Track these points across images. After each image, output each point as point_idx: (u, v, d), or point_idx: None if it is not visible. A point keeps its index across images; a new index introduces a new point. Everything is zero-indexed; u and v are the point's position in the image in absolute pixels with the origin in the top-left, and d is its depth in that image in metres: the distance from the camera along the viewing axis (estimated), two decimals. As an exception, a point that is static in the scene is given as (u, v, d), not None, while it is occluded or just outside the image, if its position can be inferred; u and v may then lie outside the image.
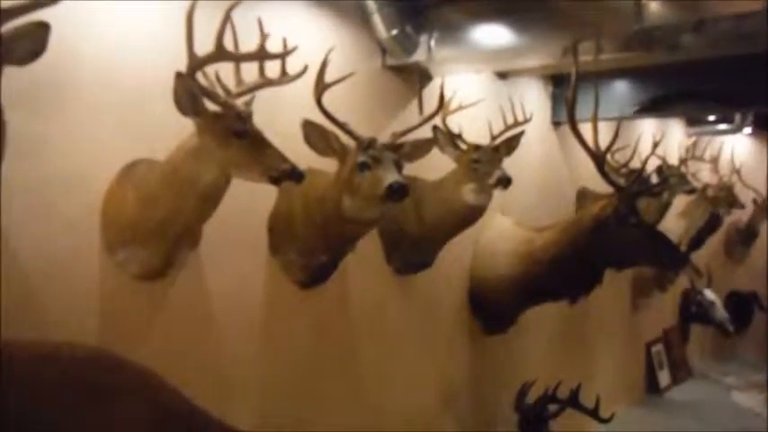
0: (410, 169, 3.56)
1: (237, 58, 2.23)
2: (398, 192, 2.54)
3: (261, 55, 2.23)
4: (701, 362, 8.00)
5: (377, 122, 3.42)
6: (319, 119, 2.72)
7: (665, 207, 5.93)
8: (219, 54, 2.11)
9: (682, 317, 7.56)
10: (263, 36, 2.30)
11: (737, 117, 7.30)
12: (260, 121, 2.39)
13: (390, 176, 2.56)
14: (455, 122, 3.51)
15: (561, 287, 3.97)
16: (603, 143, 3.53)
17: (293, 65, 2.48)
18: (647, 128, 6.14)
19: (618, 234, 3.68)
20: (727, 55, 4.30)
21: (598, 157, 3.63)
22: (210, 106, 2.23)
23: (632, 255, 3.81)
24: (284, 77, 2.45)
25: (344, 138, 2.78)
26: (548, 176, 5.10)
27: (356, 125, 2.83)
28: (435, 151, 3.41)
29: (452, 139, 3.43)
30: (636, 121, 6.12)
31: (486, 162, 3.33)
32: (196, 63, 2.09)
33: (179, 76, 2.07)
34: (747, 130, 7.71)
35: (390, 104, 3.61)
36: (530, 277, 4.02)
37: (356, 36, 3.44)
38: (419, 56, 3.47)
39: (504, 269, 4.14)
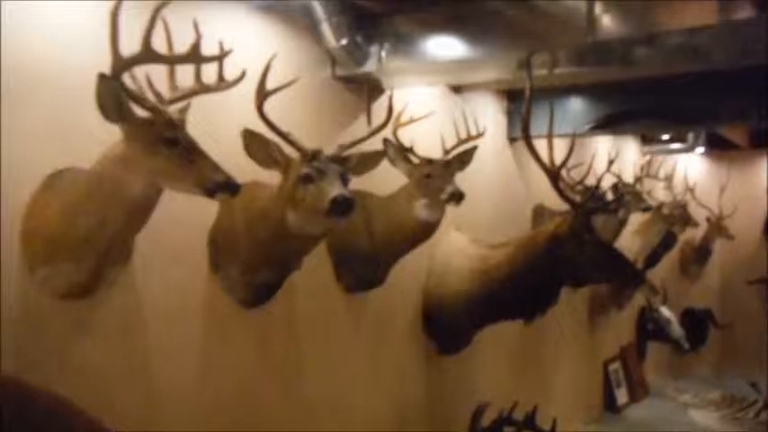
0: (362, 184, 3.50)
1: (167, 60, 2.08)
2: (342, 206, 2.41)
3: (193, 57, 2.09)
4: (657, 379, 8.00)
5: (325, 134, 3.30)
6: (264, 129, 2.59)
7: (621, 225, 5.93)
8: (147, 55, 1.96)
9: (638, 334, 7.56)
10: (198, 37, 2.16)
11: (691, 136, 7.40)
12: (202, 130, 2.26)
13: (334, 190, 2.43)
14: (407, 136, 3.41)
15: (517, 306, 3.88)
16: (559, 160, 3.49)
17: (235, 71, 2.35)
18: (602, 145, 6.14)
19: (573, 251, 3.62)
20: (680, 73, 4.33)
21: (553, 173, 3.57)
22: (141, 112, 2.08)
23: (588, 272, 3.74)
24: (221, 84, 2.31)
25: (289, 149, 2.64)
26: (504, 193, 5.04)
27: (303, 137, 2.71)
28: (390, 166, 3.34)
29: (404, 152, 3.32)
30: (591, 138, 6.12)
31: (439, 177, 3.23)
32: (121, 64, 1.94)
33: (102, 77, 1.92)
34: (700, 149, 7.81)
35: (340, 116, 3.49)
36: (485, 295, 3.92)
37: (305, 45, 3.32)
38: (369, 67, 3.36)
39: (458, 287, 4.03)
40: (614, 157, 5.39)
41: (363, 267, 3.52)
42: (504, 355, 5.04)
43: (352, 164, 2.71)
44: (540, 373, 5.61)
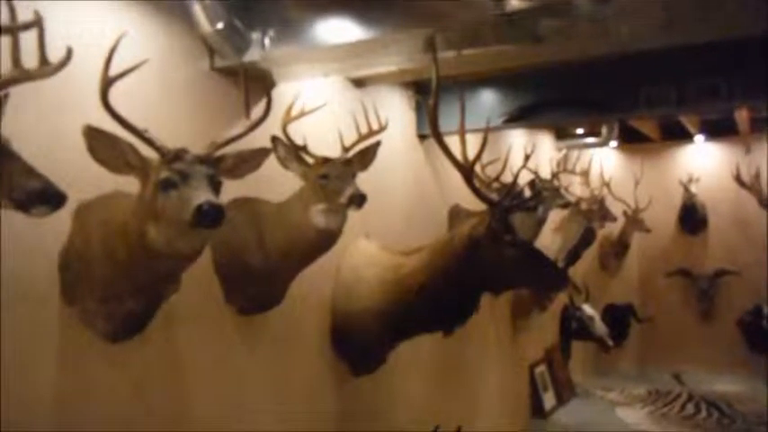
0: (253, 189, 3.05)
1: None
2: (209, 216, 1.96)
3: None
4: (583, 378, 7.88)
5: (205, 135, 2.80)
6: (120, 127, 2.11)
7: (541, 223, 5.68)
8: None
9: (563, 334, 7.39)
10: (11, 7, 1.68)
11: (604, 130, 7.32)
12: (45, 131, 1.77)
13: (200, 196, 1.98)
14: (301, 133, 2.98)
15: (434, 317, 3.51)
16: (473, 156, 3.17)
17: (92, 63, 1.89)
18: (518, 140, 5.90)
19: (493, 254, 3.29)
20: (595, 58, 4.09)
21: (466, 170, 3.23)
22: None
23: (509, 276, 3.41)
24: (45, 68, 1.82)
25: (149, 151, 2.17)
26: (416, 194, 4.68)
27: (178, 137, 2.26)
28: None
29: (296, 151, 2.89)
30: (506, 133, 5.88)
31: (337, 178, 2.81)
32: None
33: None
34: (614, 143, 7.74)
35: (222, 113, 3.03)
36: (398, 308, 3.54)
37: (179, 32, 2.85)
38: (252, 55, 2.92)
39: (369, 300, 3.63)
40: (531, 152, 5.12)
41: (257, 285, 3.06)
42: (425, 371, 4.67)
43: (227, 165, 2.26)
44: (463, 385, 5.28)
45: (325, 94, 3.65)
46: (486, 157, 5.09)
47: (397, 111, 4.46)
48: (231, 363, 3.12)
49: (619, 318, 8.30)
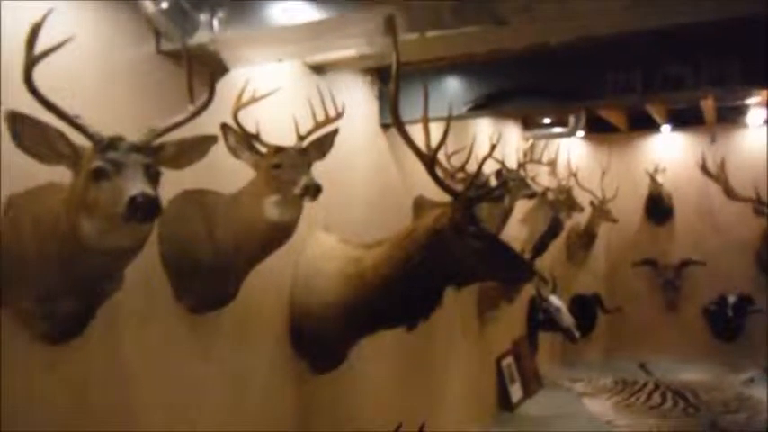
0: (205, 180, 2.90)
1: None
2: (143, 208, 1.80)
3: None
4: (550, 369, 7.85)
5: (149, 122, 2.64)
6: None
7: (507, 213, 5.62)
8: None
9: (530, 326, 7.35)
10: None
11: (572, 120, 7.26)
12: None
13: (134, 187, 1.82)
14: (259, 122, 2.82)
15: (396, 312, 3.38)
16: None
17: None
18: (483, 129, 5.79)
19: (456, 246, 3.18)
20: (561, 46, 4.00)
21: (428, 159, 3.12)
22: None
23: (474, 269, 3.29)
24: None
25: (83, 139, 2.00)
26: (379, 185, 4.54)
27: (119, 125, 2.10)
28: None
29: (248, 140, 2.73)
30: (472, 123, 5.77)
31: (290, 167, 2.66)
32: None
33: None
34: (581, 132, 7.69)
35: (167, 100, 2.83)
36: (359, 302, 3.40)
37: (123, 12, 2.67)
38: (200, 38, 2.75)
39: (329, 295, 3.49)
40: (497, 142, 5.02)
41: (209, 282, 2.90)
42: (388, 366, 4.56)
43: (168, 154, 2.10)
44: (429, 380, 5.18)
45: (282, 81, 3.49)
46: (452, 147, 5.03)
47: (358, 99, 4.32)
48: (183, 364, 2.96)
49: (586, 308, 8.32)
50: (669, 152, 8.76)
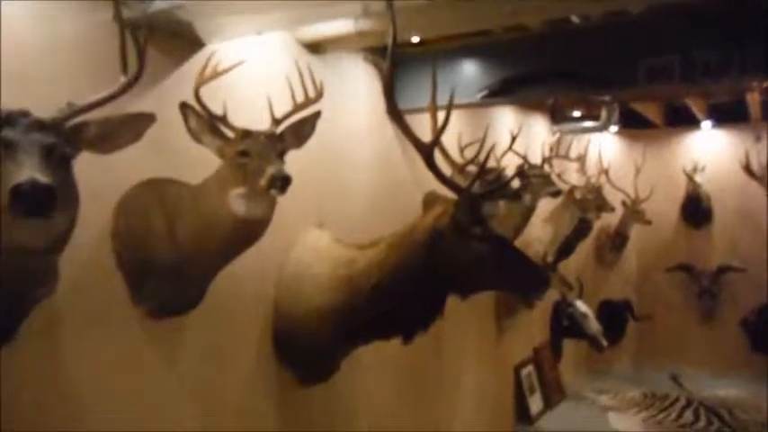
0: (167, 168, 2.54)
1: None
2: (29, 198, 1.44)
3: None
4: (574, 379, 7.39)
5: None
6: None
7: (529, 212, 5.18)
8: None
9: (553, 332, 6.89)
10: None
11: (604, 113, 6.77)
12: None
13: (21, 173, 1.46)
14: (237, 105, 2.45)
15: (390, 321, 3.00)
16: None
17: None
18: (505, 120, 5.36)
19: (458, 250, 2.80)
20: (589, 25, 3.56)
21: (426, 149, 2.74)
22: None
23: (479, 277, 2.90)
24: None
25: None
26: (384, 178, 4.14)
27: (63, 100, 1.77)
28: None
29: (212, 122, 2.35)
30: (493, 113, 5.34)
31: (258, 155, 2.28)
32: None
33: None
34: (614, 127, 7.21)
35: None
36: (350, 309, 3.03)
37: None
38: (159, 4, 2.38)
39: (317, 300, 3.11)
40: (517, 134, 4.58)
41: (170, 283, 2.54)
42: (391, 375, 4.16)
43: (89, 134, 1.74)
44: (438, 392, 4.77)
45: (270, 58, 3.13)
46: (468, 138, 4.61)
47: (362, 82, 3.93)
48: (143, 374, 2.61)
49: (614, 315, 7.82)
50: (709, 150, 8.19)
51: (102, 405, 2.44)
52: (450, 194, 4.00)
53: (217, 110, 2.38)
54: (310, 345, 3.22)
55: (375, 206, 4.00)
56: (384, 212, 4.02)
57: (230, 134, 2.39)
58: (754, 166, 7.04)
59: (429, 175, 4.26)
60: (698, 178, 8.05)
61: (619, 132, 8.05)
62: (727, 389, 7.31)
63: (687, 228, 8.33)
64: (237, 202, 2.30)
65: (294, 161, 3.18)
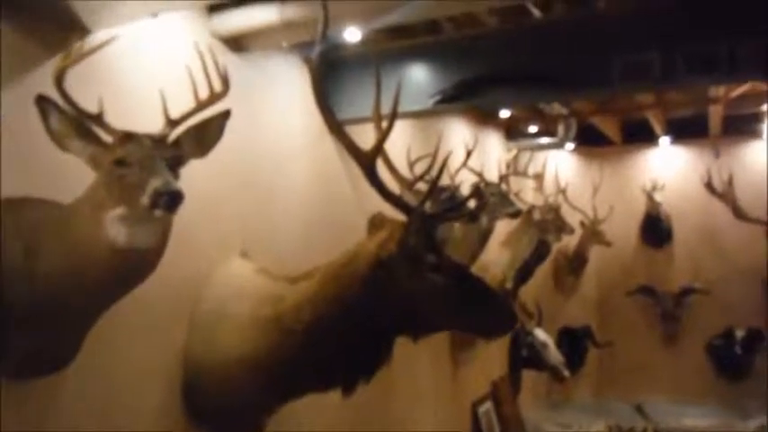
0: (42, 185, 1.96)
1: None
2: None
3: None
4: (535, 413, 6.93)
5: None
6: None
7: (487, 235, 4.73)
8: None
9: (512, 364, 6.44)
10: None
11: (561, 129, 6.46)
12: None
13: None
14: (109, 100, 1.88)
15: (327, 370, 2.48)
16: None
17: None
18: (458, 133, 4.91)
19: (408, 283, 2.33)
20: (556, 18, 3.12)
21: (366, 160, 2.25)
22: None
23: (434, 315, 2.42)
24: None
25: None
26: (323, 198, 3.62)
27: None
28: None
29: (80, 121, 1.78)
30: (443, 124, 4.87)
31: (139, 164, 1.71)
32: None
33: None
34: (571, 144, 6.84)
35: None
36: (278, 357, 2.50)
37: None
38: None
39: (237, 346, 2.56)
40: (473, 148, 4.12)
41: (32, 333, 1.93)
42: (333, 420, 3.59)
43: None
44: (388, 436, 4.22)
45: (174, 51, 2.57)
46: (418, 152, 4.12)
47: (296, 86, 3.40)
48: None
49: (575, 343, 7.47)
50: (668, 167, 7.92)
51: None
52: (399, 217, 3.49)
53: (91, 108, 1.81)
54: (228, 401, 2.65)
55: (310, 230, 3.47)
56: (321, 238, 3.50)
57: (108, 138, 1.82)
58: (716, 183, 6.75)
59: (375, 195, 3.74)
60: (657, 196, 7.77)
61: (575, 150, 7.72)
62: (695, 418, 6.99)
63: (647, 248, 8.03)
64: (115, 226, 1.73)
65: (211, 176, 2.65)
